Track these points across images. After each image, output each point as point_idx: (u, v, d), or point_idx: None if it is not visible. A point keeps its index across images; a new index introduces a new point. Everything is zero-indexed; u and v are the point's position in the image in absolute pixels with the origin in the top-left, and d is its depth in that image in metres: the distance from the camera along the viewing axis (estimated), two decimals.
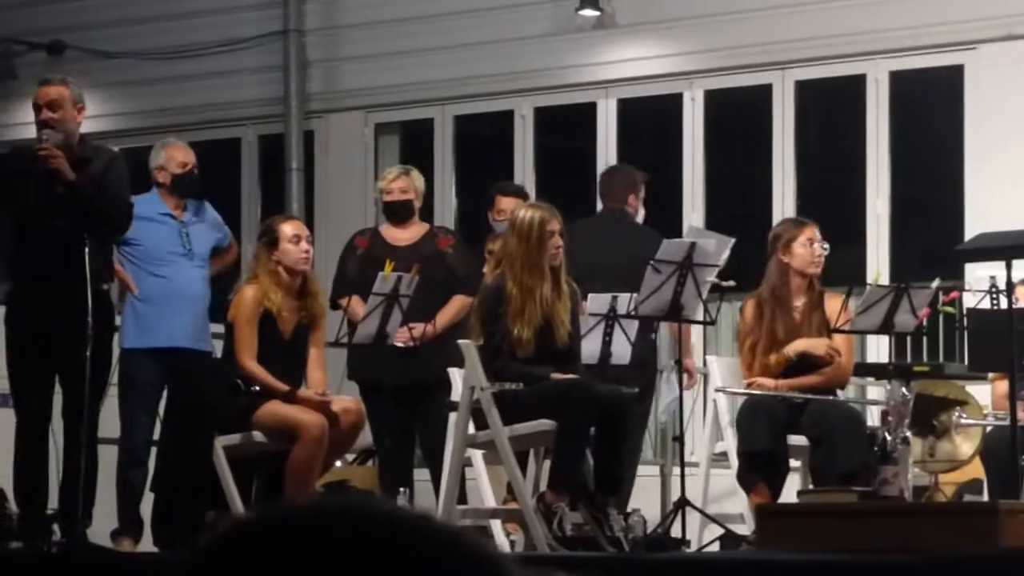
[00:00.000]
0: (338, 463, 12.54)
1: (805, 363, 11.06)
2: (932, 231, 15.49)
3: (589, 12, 16.36)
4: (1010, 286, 10.09)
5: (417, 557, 1.04)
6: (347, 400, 11.53)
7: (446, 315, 11.83)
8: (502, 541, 11.15)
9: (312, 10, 18.62)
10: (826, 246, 11.43)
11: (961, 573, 8.81)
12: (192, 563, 1.09)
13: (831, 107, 17.55)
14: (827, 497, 10.21)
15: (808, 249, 11.26)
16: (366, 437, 12.30)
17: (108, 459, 11.56)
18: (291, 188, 17.10)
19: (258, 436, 11.09)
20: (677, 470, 11.18)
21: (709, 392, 11.97)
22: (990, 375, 11.42)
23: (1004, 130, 15.22)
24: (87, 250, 10.43)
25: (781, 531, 9.85)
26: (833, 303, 10.89)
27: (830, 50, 16.33)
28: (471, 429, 10.66)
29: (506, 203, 12.61)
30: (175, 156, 12.24)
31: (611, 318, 11.12)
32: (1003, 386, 10.70)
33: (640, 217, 13.27)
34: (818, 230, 11.65)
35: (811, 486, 10.78)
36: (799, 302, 10.94)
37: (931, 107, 16.50)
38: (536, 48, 17.51)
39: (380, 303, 11.03)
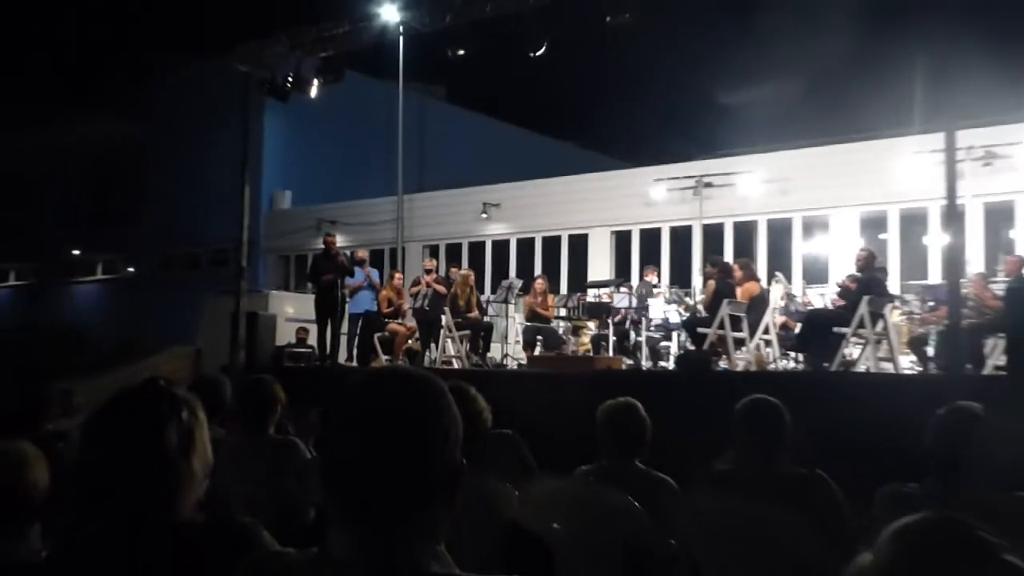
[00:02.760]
0: (409, 342, 15.53)
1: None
2: None
3: (484, 215, 23.69)
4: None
5: (421, 385, 1.60)
6: (411, 324, 15.45)
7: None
8: (455, 364, 14.73)
9: (406, 206, 24.88)
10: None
11: (581, 377, 11.37)
12: (344, 384, 1.62)
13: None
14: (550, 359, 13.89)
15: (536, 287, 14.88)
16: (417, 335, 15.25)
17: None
18: (396, 268, 21.14)
19: (386, 334, 15.26)
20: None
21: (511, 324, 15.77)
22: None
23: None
24: (340, 282, 14.92)
25: (537, 363, 13.68)
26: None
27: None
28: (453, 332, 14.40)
29: (453, 270, 16.54)
30: (359, 255, 16.69)
31: (487, 302, 15.56)
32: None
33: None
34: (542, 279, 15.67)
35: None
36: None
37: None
38: (464, 222, 24.23)
39: (421, 299, 14.89)
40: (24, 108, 35.29)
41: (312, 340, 16.40)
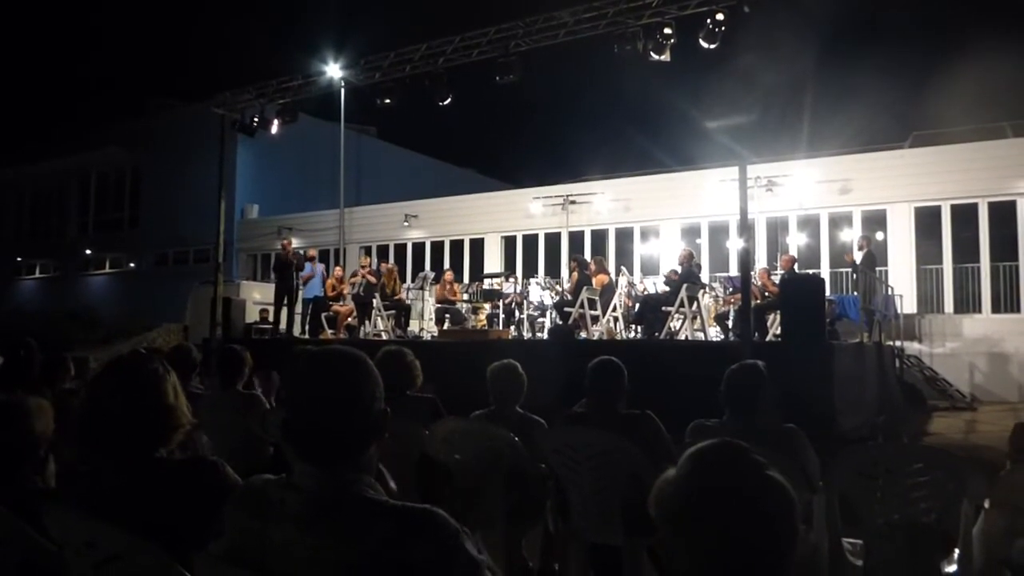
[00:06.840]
0: (349, 319, 14.56)
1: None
2: None
3: (406, 224, 22.16)
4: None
5: (353, 360, 1.58)
6: (350, 306, 14.45)
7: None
8: (384, 336, 13.55)
9: (346, 216, 23.21)
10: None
11: (478, 345, 10.81)
12: (297, 359, 1.58)
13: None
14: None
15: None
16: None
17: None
18: (339, 263, 18.90)
19: (331, 314, 14.43)
20: None
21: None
22: None
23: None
24: (295, 274, 14.07)
25: (446, 335, 12.87)
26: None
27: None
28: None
29: (382, 265, 15.10)
30: (310, 253, 15.56)
31: (407, 289, 15.05)
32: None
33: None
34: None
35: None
36: None
37: None
38: (391, 228, 22.76)
39: (358, 286, 14.03)
40: (49, 142, 34.81)
41: (272, 318, 15.53)
